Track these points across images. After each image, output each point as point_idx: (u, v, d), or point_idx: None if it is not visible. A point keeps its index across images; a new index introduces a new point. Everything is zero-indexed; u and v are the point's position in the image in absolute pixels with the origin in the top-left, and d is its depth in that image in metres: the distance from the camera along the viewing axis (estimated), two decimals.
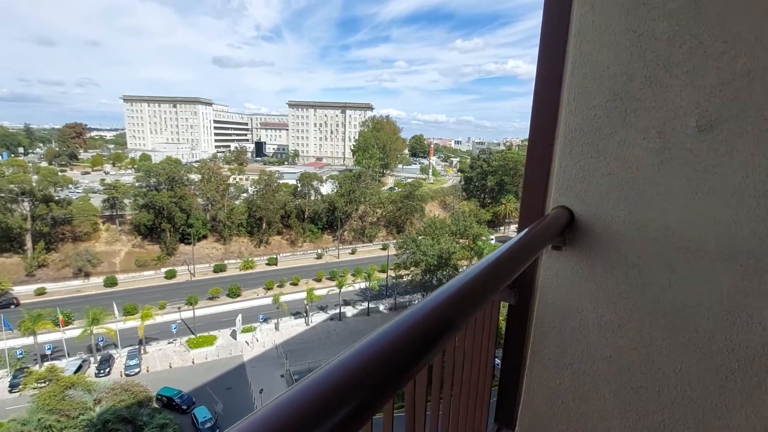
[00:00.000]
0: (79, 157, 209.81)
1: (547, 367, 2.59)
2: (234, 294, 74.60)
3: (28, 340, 54.30)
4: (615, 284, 2.27)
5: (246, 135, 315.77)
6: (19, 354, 52.77)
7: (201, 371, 51.91)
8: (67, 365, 50.40)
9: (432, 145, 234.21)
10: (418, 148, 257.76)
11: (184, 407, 43.76)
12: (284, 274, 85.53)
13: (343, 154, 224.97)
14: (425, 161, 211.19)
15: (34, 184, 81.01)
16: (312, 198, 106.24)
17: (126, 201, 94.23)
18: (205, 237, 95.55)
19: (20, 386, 46.97)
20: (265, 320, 64.46)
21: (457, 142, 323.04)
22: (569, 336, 2.46)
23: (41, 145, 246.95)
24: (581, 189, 2.29)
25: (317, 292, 66.05)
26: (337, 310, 67.79)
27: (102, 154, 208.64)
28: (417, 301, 1.33)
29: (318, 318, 66.96)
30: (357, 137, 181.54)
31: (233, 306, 71.54)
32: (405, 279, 77.01)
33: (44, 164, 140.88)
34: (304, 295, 66.04)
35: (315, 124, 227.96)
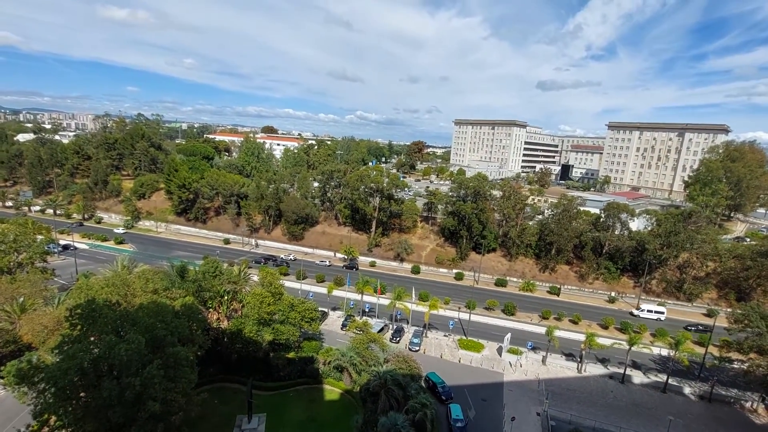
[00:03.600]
0: (416, 167, 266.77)
1: None
2: (508, 312, 75.42)
3: (357, 297, 74.13)
4: None
5: (553, 157, 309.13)
6: (351, 305, 72.95)
7: (464, 372, 55.68)
8: (375, 324, 65.58)
9: None
10: None
11: (444, 398, 48.26)
12: (564, 308, 79.11)
13: (671, 186, 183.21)
14: None
15: (384, 185, 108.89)
16: (616, 232, 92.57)
17: (439, 206, 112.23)
18: (494, 250, 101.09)
19: (347, 328, 65.13)
20: (533, 349, 61.83)
21: None
22: None
23: (395, 156, 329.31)
24: None
25: (600, 340, 57.36)
26: (622, 370, 56.65)
27: (431, 167, 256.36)
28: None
29: (594, 369, 58.18)
30: (697, 167, 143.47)
31: (505, 323, 72.49)
32: (736, 365, 55.59)
33: (394, 171, 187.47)
34: (582, 337, 58.93)
35: (637, 149, 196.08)
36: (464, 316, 72.41)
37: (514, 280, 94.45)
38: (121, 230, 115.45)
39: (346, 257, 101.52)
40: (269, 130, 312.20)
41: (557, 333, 59.57)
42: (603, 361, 60.64)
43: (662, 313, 77.47)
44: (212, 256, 67.31)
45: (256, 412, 40.86)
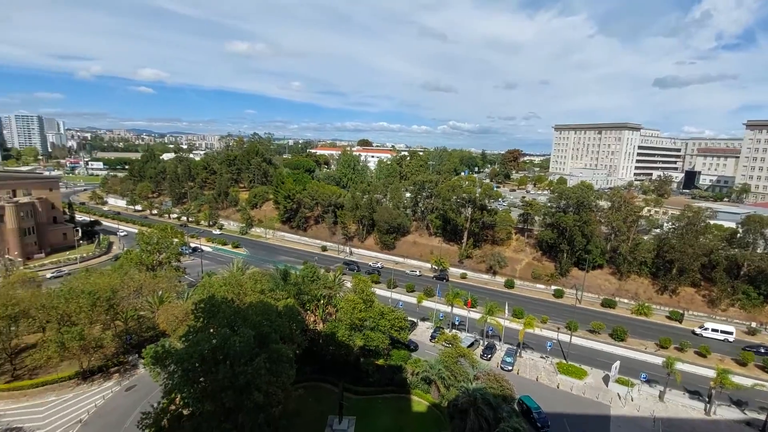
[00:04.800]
0: (511, 176, 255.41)
1: None
2: (617, 337, 67.46)
3: (447, 309, 72.99)
4: None
5: (675, 162, 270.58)
6: (440, 316, 72.13)
7: (563, 399, 51.14)
8: (464, 338, 63.86)
9: None
10: None
11: (539, 425, 44.86)
12: (689, 337, 68.17)
13: None
14: None
15: (476, 195, 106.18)
16: (758, 251, 77.34)
17: (536, 218, 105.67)
18: (599, 266, 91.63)
19: (435, 339, 64.47)
20: (648, 381, 54.30)
21: None
22: None
23: (489, 165, 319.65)
24: None
25: (735, 379, 48.19)
26: (764, 417, 46.68)
27: (527, 176, 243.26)
28: None
29: (726, 412, 48.91)
30: None
31: (613, 349, 64.96)
32: None
33: (487, 180, 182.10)
34: (712, 373, 50.12)
35: None
36: (564, 337, 66.71)
37: (625, 301, 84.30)
38: (217, 231, 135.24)
39: (436, 268, 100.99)
40: (364, 143, 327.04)
41: (679, 366, 51.60)
42: (739, 404, 50.72)
43: None
44: (311, 261, 72.43)
45: (347, 414, 42.56)
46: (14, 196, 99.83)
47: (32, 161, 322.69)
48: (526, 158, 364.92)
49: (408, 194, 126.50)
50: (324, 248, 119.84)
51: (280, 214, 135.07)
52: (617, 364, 54.52)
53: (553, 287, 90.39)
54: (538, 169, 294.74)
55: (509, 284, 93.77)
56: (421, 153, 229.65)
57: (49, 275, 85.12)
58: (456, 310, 72.78)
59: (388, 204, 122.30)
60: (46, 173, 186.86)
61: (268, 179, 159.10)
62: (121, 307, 54.61)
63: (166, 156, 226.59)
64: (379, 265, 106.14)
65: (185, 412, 33.18)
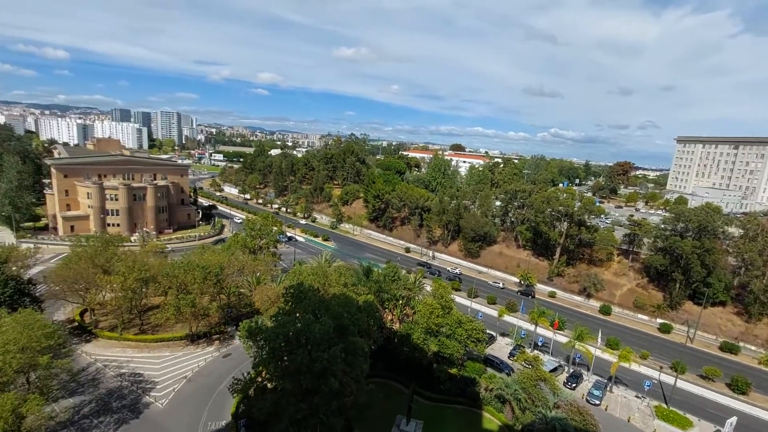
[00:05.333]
0: (618, 191, 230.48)
1: None
2: (738, 388, 57.18)
3: (531, 327, 68.88)
4: None
5: None
6: (522, 334, 68.32)
7: None
8: (547, 361, 59.65)
9: None
10: None
11: None
12: None
13: None
14: None
15: (575, 209, 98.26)
16: None
17: (645, 240, 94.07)
18: (721, 303, 78.44)
19: (514, 358, 61.27)
20: None
21: None
22: None
23: (592, 178, 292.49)
24: None
25: None
26: None
27: (639, 192, 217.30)
28: None
29: None
30: None
31: (730, 402, 55.30)
32: None
33: (588, 194, 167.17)
34: None
35: None
36: (667, 379, 58.60)
37: (752, 348, 71.16)
38: (303, 222, 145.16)
39: (522, 282, 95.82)
40: (457, 148, 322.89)
41: None
42: None
43: None
44: (393, 261, 73.90)
45: (415, 417, 42.77)
46: (154, 179, 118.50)
47: (170, 151, 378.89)
48: (638, 172, 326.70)
49: (498, 203, 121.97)
50: (407, 249, 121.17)
51: (368, 212, 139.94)
52: (734, 420, 46.30)
53: (659, 320, 79.82)
54: (652, 185, 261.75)
55: (605, 310, 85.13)
56: (516, 160, 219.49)
57: (169, 248, 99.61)
58: (540, 330, 68.37)
59: (476, 211, 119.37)
60: (179, 161, 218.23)
61: (360, 178, 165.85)
62: (226, 283, 61.68)
63: (273, 152, 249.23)
64: (457, 271, 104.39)
65: (269, 385, 36.41)
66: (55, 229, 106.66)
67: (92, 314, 60.93)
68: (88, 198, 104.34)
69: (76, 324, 59.15)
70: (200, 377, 49.83)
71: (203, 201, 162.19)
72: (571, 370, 59.50)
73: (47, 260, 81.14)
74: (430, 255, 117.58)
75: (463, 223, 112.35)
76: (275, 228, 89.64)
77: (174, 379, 48.93)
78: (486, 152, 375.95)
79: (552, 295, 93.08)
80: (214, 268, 57.95)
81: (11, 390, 32.78)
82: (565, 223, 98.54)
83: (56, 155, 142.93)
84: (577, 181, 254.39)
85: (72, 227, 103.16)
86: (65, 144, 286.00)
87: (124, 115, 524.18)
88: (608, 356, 61.02)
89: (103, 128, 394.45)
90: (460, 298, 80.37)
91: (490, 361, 58.42)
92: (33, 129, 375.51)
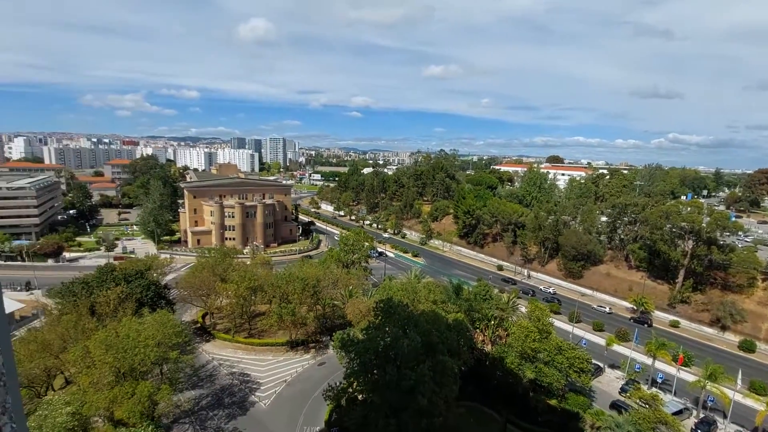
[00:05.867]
0: (762, 204, 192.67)
1: None
2: None
3: (647, 360, 60.32)
4: None
5: None
6: (637, 368, 60.05)
7: None
8: (669, 402, 51.45)
9: None
10: None
11: None
12: None
13: None
14: None
15: (702, 225, 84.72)
16: None
17: None
18: None
19: (627, 394, 54.00)
20: None
21: None
22: None
23: (726, 189, 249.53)
24: None
25: None
26: None
27: None
28: None
29: None
30: None
31: None
32: None
33: (720, 208, 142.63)
34: None
35: None
36: None
37: None
38: (386, 235, 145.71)
39: (635, 308, 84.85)
40: (554, 160, 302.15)
41: None
42: None
43: None
44: (485, 279, 71.23)
45: None
46: (263, 198, 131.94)
47: (276, 173, 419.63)
48: None
49: (604, 218, 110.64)
50: (500, 267, 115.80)
51: (458, 228, 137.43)
52: None
53: None
54: None
55: (747, 346, 71.01)
56: (625, 171, 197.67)
57: (274, 260, 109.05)
58: (660, 365, 59.46)
59: (577, 227, 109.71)
60: (283, 182, 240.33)
61: (449, 194, 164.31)
62: (322, 294, 65.45)
63: (366, 170, 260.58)
64: (551, 290, 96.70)
65: (359, 397, 37.40)
66: (186, 242, 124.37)
67: (211, 317, 69.29)
68: (211, 215, 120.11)
69: (199, 325, 67.81)
70: (298, 382, 53.16)
71: (303, 218, 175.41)
72: (702, 416, 50.50)
73: (179, 269, 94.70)
74: (525, 273, 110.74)
75: (562, 241, 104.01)
76: (366, 243, 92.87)
77: (276, 381, 52.95)
78: (589, 163, 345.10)
79: (674, 324, 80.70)
80: (312, 280, 61.97)
81: (148, 379, 38.65)
82: (690, 241, 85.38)
83: (188, 179, 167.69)
84: (705, 192, 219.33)
85: (198, 240, 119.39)
86: (195, 169, 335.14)
87: (240, 143, 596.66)
88: (752, 402, 50.57)
89: (224, 155, 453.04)
90: (559, 322, 74.11)
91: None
92: (171, 158, 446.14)
